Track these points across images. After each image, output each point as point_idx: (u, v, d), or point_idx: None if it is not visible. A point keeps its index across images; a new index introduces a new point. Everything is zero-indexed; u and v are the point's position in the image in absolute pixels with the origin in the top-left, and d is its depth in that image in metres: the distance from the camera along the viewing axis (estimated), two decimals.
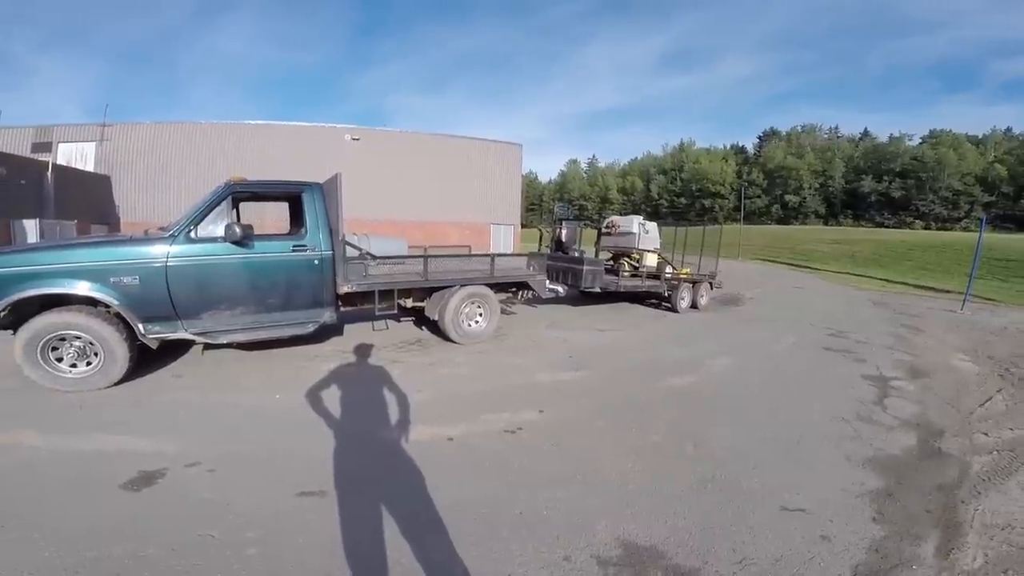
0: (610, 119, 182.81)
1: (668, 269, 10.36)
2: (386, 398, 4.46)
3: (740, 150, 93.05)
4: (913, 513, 2.95)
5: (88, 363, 4.44)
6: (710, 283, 10.91)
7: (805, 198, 77.76)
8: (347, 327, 7.18)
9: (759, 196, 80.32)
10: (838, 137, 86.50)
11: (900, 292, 15.71)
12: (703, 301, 10.51)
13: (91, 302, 4.50)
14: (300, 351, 5.87)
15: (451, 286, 6.50)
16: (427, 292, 6.64)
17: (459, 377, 5.27)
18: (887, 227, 64.04)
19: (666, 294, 10.06)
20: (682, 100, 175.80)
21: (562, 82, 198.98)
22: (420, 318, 7.21)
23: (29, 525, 2.45)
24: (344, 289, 5.59)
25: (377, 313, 6.14)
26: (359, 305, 6.04)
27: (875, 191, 72.25)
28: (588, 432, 3.93)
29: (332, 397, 4.43)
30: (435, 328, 6.82)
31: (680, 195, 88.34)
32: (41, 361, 4.27)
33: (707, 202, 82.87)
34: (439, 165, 26.60)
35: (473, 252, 9.77)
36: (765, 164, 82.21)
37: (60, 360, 4.37)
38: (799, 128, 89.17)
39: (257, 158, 22.81)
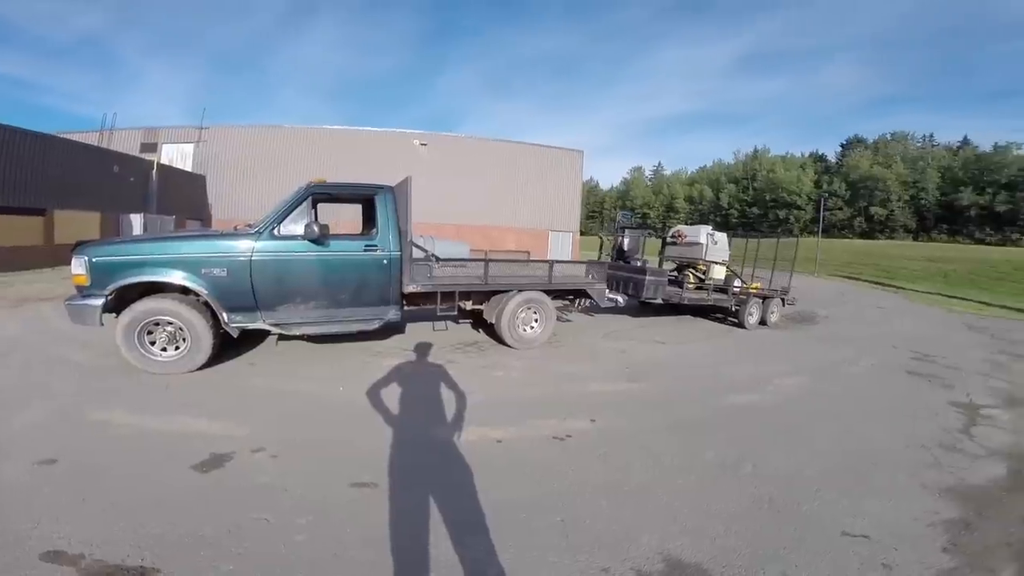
0: (678, 125, 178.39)
1: (737, 283, 9.93)
2: (440, 397, 4.60)
3: (820, 158, 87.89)
4: (990, 545, 2.71)
5: (176, 348, 4.89)
6: (782, 299, 10.34)
7: (893, 211, 72.18)
8: (409, 326, 7.44)
9: (840, 208, 75.39)
10: (933, 146, 79.68)
11: (1001, 316, 14.20)
12: (773, 318, 9.99)
13: (184, 291, 4.96)
14: (365, 346, 6.16)
15: (509, 290, 6.59)
16: (486, 295, 6.75)
17: (512, 381, 5.33)
18: (988, 244, 58.19)
19: (733, 309, 9.64)
20: (756, 106, 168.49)
21: (628, 87, 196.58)
22: (478, 321, 7.35)
23: (108, 501, 2.70)
24: (410, 289, 5.81)
25: (438, 313, 6.33)
26: (421, 305, 6.24)
27: (975, 204, 65.81)
28: (639, 445, 3.86)
29: (391, 393, 4.62)
30: (491, 331, 6.92)
31: (752, 205, 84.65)
32: (137, 344, 4.75)
33: (782, 213, 78.90)
34: (500, 170, 27.03)
35: (532, 258, 9.81)
36: (848, 174, 77.13)
37: (153, 343, 4.84)
38: (888, 136, 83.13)
39: (334, 161, 24.23)
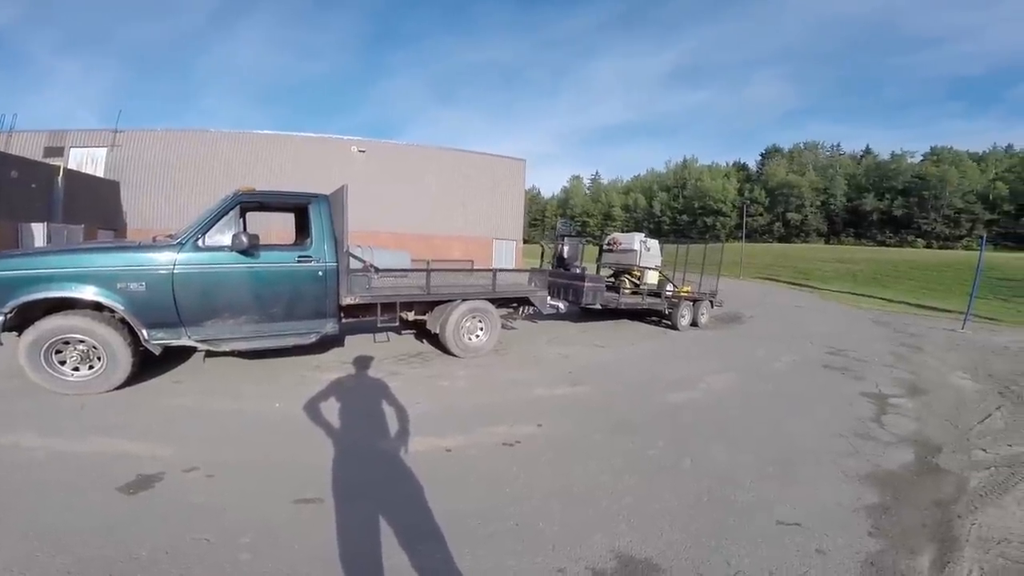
0: (614, 135, 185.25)
1: (669, 287, 10.39)
2: (385, 409, 4.49)
3: (742, 167, 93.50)
4: (909, 527, 2.97)
5: (91, 367, 4.49)
6: (711, 301, 10.93)
7: (807, 216, 77.90)
8: (348, 338, 7.22)
9: (761, 214, 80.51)
10: (840, 154, 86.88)
11: (901, 311, 15.71)
12: (703, 319, 10.53)
13: (97, 307, 4.56)
14: (301, 360, 5.91)
15: (453, 300, 6.54)
16: (429, 306, 6.67)
17: (458, 390, 5.30)
18: (889, 246, 64.09)
19: (667, 312, 10.08)
20: (686, 116, 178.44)
21: (568, 98, 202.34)
22: (421, 331, 7.24)
23: (25, 525, 2.48)
24: (347, 301, 5.63)
25: (379, 325, 6.17)
26: (361, 317, 6.06)
27: (877, 209, 72.45)
28: (585, 446, 3.94)
29: (332, 407, 4.46)
30: (436, 341, 6.85)
31: (682, 212, 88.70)
32: (44, 364, 4.31)
33: (709, 220, 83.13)
34: (443, 179, 26.81)
35: (475, 267, 9.82)
36: (767, 181, 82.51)
37: (63, 363, 4.42)
38: (801, 145, 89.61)
39: (265, 168, 23.12)
